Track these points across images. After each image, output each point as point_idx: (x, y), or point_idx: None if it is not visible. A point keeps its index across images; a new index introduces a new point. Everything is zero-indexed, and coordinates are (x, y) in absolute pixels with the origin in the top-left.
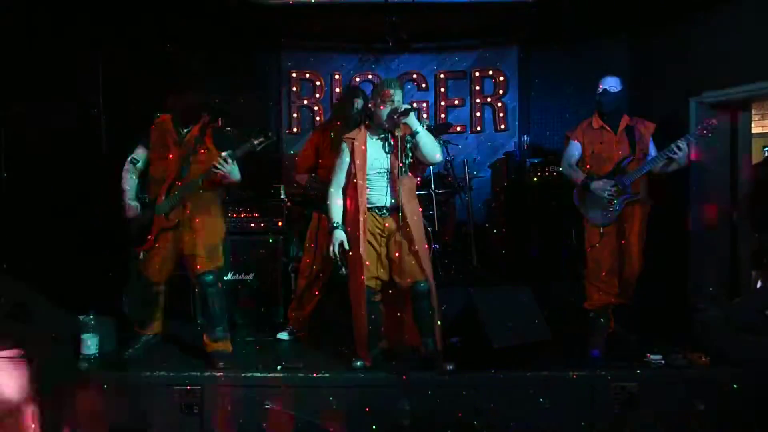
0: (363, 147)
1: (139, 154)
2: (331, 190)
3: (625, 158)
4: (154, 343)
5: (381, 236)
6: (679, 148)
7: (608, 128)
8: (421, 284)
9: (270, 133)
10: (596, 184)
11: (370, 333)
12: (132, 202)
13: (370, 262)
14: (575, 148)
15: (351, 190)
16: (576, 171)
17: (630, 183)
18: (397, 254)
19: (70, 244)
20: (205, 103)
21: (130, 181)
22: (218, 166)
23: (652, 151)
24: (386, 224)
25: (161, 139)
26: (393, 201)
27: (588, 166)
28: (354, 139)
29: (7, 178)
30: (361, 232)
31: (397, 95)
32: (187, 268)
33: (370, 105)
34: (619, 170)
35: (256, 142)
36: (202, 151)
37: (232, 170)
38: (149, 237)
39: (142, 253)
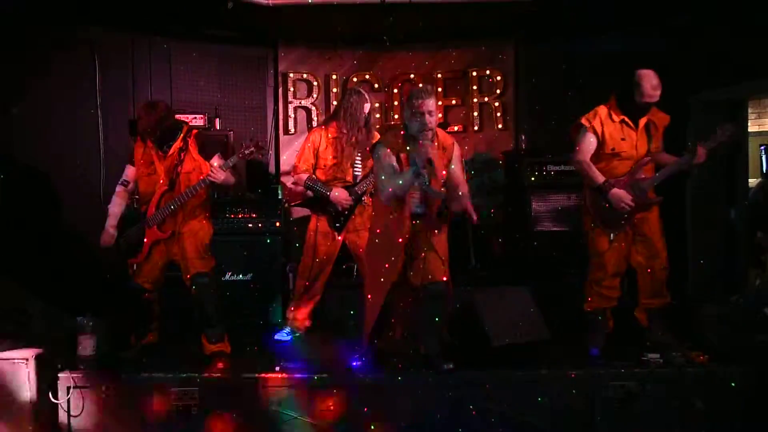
0: (404, 156)
1: (129, 175)
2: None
3: (642, 160)
4: (151, 352)
5: (409, 239)
6: (699, 155)
7: (630, 123)
8: (440, 285)
9: (260, 143)
10: (616, 194)
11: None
12: (111, 230)
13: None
14: (592, 142)
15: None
16: (594, 171)
17: (649, 189)
18: (422, 254)
19: (67, 244)
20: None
21: (117, 206)
22: (212, 176)
23: (660, 147)
24: (415, 228)
25: (146, 155)
26: (426, 208)
27: (604, 164)
28: (398, 149)
29: (3, 180)
30: (400, 239)
31: (428, 105)
32: (181, 272)
33: (405, 113)
34: (637, 174)
35: (247, 152)
36: (189, 160)
37: (225, 178)
38: (143, 249)
39: (135, 265)
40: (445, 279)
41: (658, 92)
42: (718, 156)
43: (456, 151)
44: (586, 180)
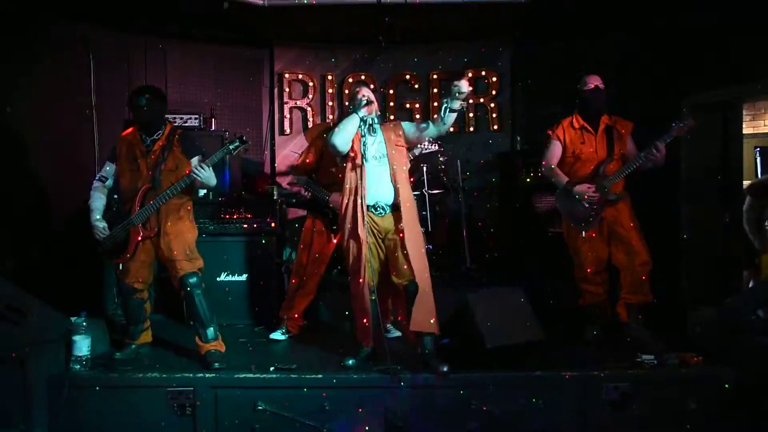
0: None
1: (107, 171)
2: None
3: (605, 160)
4: (145, 352)
5: (379, 236)
6: (658, 149)
7: (589, 128)
8: (413, 284)
9: (245, 137)
10: (579, 188)
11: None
12: (99, 223)
13: (370, 260)
14: (557, 148)
15: (345, 187)
16: (558, 173)
17: (611, 186)
18: (393, 253)
19: (62, 244)
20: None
21: (98, 201)
22: (196, 173)
23: (633, 150)
24: (383, 223)
25: (129, 152)
26: (388, 197)
27: (568, 167)
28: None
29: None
30: (360, 228)
31: (363, 91)
32: (169, 274)
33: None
34: (599, 173)
35: (231, 147)
36: (172, 158)
37: (209, 177)
38: (129, 248)
39: (120, 265)
40: (413, 278)
41: (597, 78)
42: (712, 157)
43: (402, 123)
44: (555, 183)
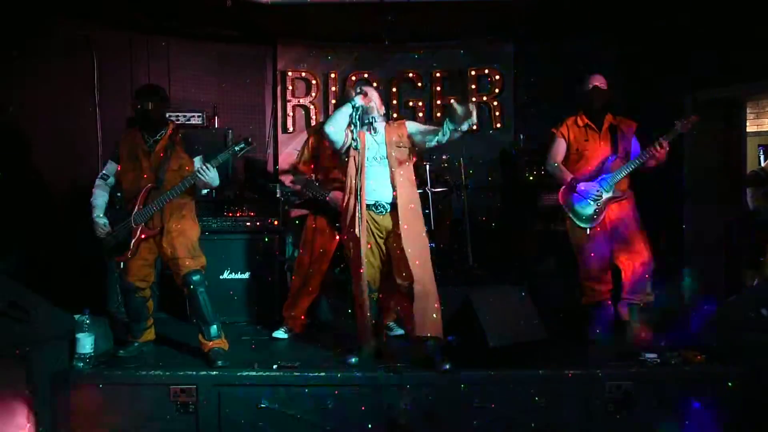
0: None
1: (109, 169)
2: None
3: (609, 158)
4: (148, 350)
5: (379, 235)
6: (661, 146)
7: (593, 126)
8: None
9: (250, 139)
10: (583, 185)
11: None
12: (101, 220)
13: (370, 258)
14: (561, 146)
15: (346, 185)
16: (563, 170)
17: (614, 183)
18: (394, 253)
19: (65, 243)
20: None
21: (100, 198)
22: (200, 174)
23: (636, 149)
24: (383, 221)
25: (131, 151)
26: (388, 197)
27: (572, 165)
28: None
29: (2, 178)
30: (358, 226)
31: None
32: (172, 272)
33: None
34: (603, 170)
35: (237, 148)
36: (175, 158)
37: (213, 177)
38: (130, 247)
39: (122, 264)
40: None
41: (598, 78)
42: (715, 155)
43: (407, 122)
44: (558, 181)
